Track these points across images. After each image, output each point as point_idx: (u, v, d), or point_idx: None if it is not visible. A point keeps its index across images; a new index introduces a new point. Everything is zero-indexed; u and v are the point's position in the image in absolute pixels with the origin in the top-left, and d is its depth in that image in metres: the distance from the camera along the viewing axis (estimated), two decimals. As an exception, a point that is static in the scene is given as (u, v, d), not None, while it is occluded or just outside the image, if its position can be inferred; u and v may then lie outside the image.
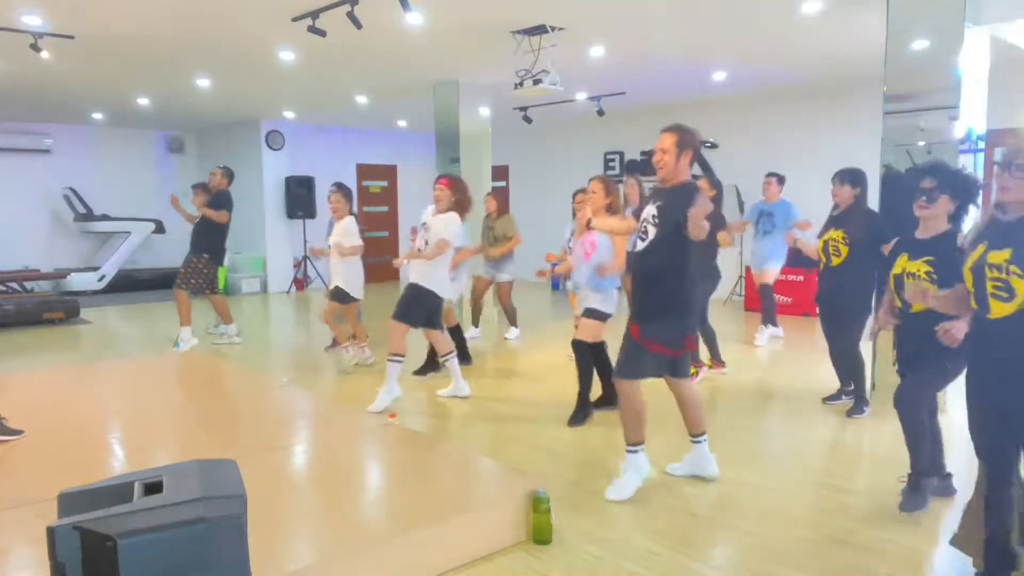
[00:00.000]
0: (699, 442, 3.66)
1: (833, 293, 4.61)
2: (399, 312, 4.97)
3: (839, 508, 3.37)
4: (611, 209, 4.71)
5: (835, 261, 4.55)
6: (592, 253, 4.64)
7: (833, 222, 4.66)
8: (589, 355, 4.70)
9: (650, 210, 3.44)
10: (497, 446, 4.30)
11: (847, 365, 4.83)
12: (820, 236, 4.73)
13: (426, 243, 5.01)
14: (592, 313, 4.64)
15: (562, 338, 4.74)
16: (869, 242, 4.35)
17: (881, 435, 4.39)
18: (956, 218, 3.17)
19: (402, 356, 4.97)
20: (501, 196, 7.86)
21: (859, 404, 4.77)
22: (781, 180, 7.15)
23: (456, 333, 6.19)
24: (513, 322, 7.72)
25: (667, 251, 3.38)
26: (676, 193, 3.37)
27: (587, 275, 4.65)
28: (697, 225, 3.21)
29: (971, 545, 2.50)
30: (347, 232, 6.09)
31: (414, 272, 5.06)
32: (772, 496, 3.52)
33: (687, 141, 3.39)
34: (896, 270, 3.19)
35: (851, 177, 4.62)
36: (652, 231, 3.40)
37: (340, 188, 6.37)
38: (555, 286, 11.81)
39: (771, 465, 4.00)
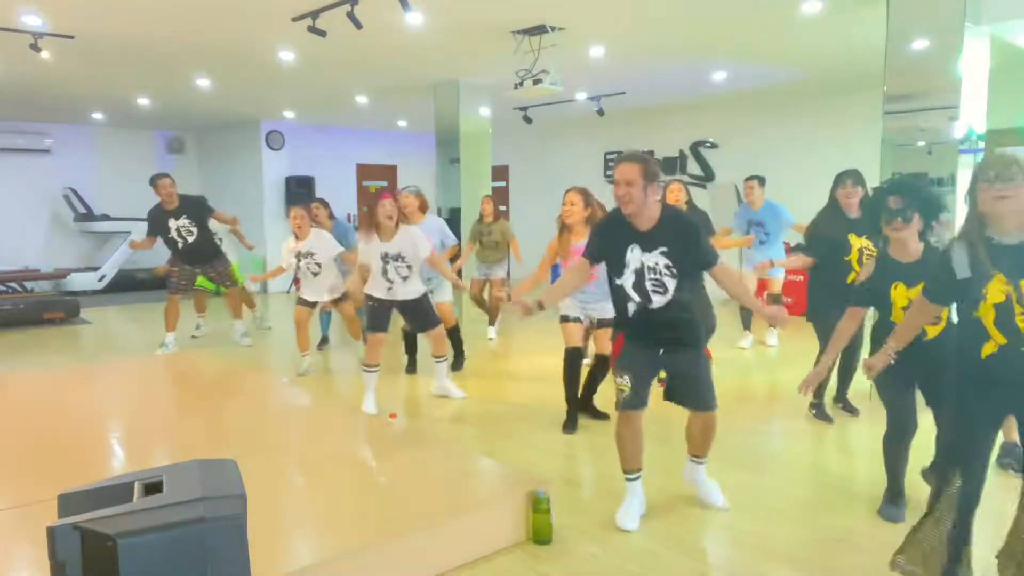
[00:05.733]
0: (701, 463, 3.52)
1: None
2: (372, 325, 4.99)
3: (839, 508, 3.37)
4: (591, 220, 4.48)
5: (852, 275, 4.22)
6: (596, 274, 4.52)
7: (856, 228, 4.29)
8: (580, 363, 4.66)
9: (655, 259, 3.04)
10: (496, 446, 4.30)
11: (852, 368, 4.72)
12: (834, 243, 4.37)
13: (409, 268, 4.86)
14: (608, 323, 4.51)
15: (559, 338, 4.73)
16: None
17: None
18: (924, 237, 3.05)
19: (374, 367, 4.94)
20: (500, 197, 7.82)
21: (823, 410, 4.73)
22: (763, 182, 6.95)
23: (454, 334, 6.20)
24: (493, 321, 7.75)
25: (688, 289, 3.12)
26: (678, 230, 3.08)
27: (597, 293, 4.47)
28: (777, 318, 3.24)
29: (920, 563, 2.51)
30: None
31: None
32: (772, 496, 3.52)
33: (652, 172, 3.02)
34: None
35: (863, 179, 4.34)
36: (671, 282, 3.04)
37: (302, 205, 6.29)
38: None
39: (771, 465, 4.00)
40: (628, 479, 3.27)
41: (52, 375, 5.98)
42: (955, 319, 2.57)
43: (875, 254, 4.21)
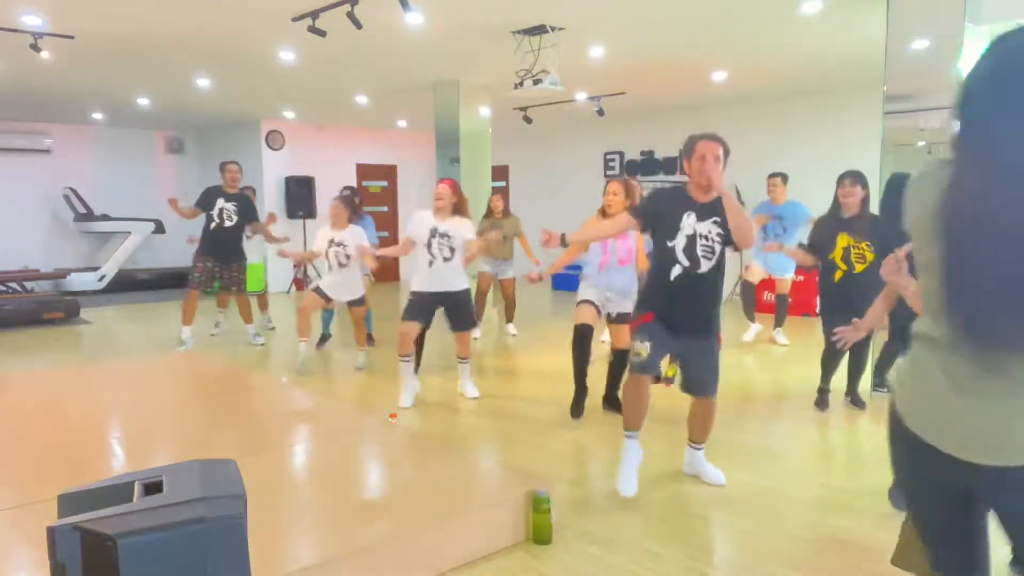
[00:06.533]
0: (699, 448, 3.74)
1: (862, 297, 4.02)
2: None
3: (839, 508, 3.37)
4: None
5: (859, 268, 4.47)
6: (629, 260, 4.64)
7: (846, 227, 4.53)
8: (586, 354, 4.72)
9: (708, 227, 3.34)
10: (497, 446, 4.30)
11: (861, 364, 4.87)
12: (822, 242, 4.65)
13: (451, 250, 5.01)
14: (626, 318, 4.60)
15: (562, 337, 4.73)
16: (887, 245, 4.28)
17: (882, 434, 4.39)
18: None
19: (407, 356, 5.08)
20: (502, 196, 7.83)
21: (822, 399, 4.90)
22: (786, 179, 7.11)
23: None
24: (512, 318, 7.78)
25: (721, 265, 3.42)
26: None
27: (624, 282, 4.65)
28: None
29: (910, 560, 2.49)
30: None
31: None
32: (772, 496, 3.52)
33: (728, 152, 3.37)
34: None
35: (862, 179, 4.54)
36: (719, 248, 3.35)
37: (340, 198, 6.30)
38: (557, 286, 11.80)
39: (772, 465, 4.00)
40: (627, 436, 3.51)
41: (52, 375, 5.98)
42: None
43: (866, 253, 4.33)
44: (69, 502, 1.81)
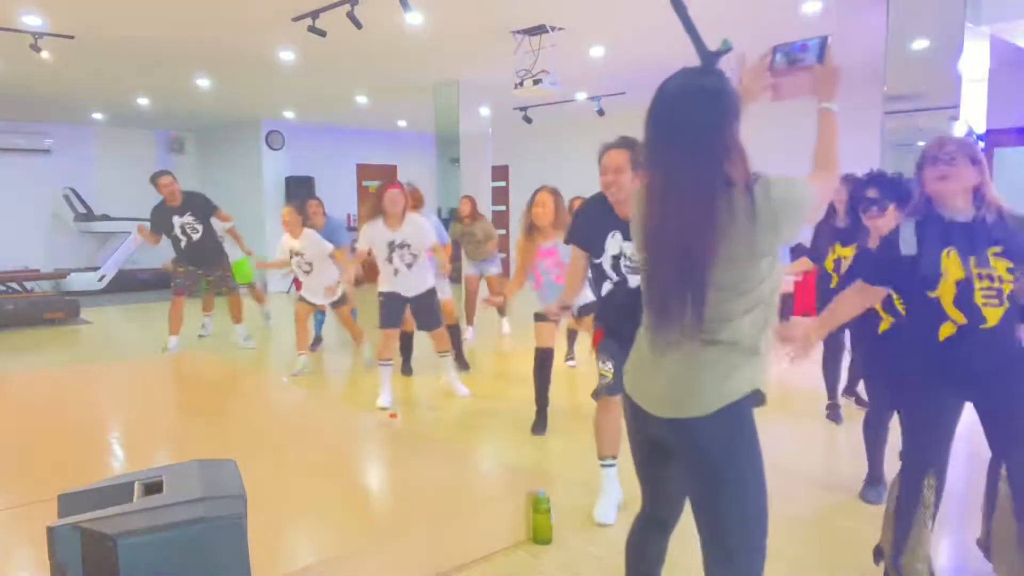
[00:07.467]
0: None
1: None
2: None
3: (840, 508, 3.37)
4: (558, 224, 4.53)
5: (834, 281, 4.37)
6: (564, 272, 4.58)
7: (839, 236, 4.32)
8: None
9: (621, 245, 3.08)
10: (497, 446, 4.30)
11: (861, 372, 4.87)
12: (818, 250, 4.49)
13: (413, 256, 4.95)
14: (590, 308, 4.57)
15: (560, 336, 4.74)
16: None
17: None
18: None
19: (388, 361, 5.10)
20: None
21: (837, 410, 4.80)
22: None
23: (454, 334, 6.20)
24: (504, 313, 7.80)
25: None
26: None
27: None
28: None
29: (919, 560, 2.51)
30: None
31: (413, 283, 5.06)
32: (773, 496, 3.51)
33: (638, 159, 2.96)
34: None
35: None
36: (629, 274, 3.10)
37: (292, 204, 6.27)
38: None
39: (771, 465, 3.99)
40: (604, 466, 3.31)
41: (52, 375, 5.98)
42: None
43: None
44: (69, 502, 1.82)
